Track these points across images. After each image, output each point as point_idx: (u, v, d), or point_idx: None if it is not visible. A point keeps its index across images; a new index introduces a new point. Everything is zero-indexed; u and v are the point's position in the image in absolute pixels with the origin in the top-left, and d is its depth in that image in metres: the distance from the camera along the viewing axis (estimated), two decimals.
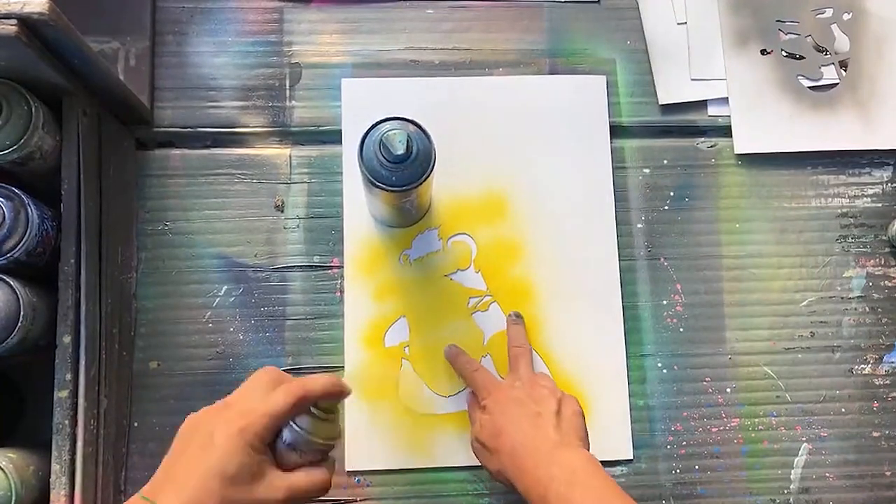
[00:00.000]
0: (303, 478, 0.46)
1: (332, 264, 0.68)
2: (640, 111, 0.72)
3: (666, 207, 0.70)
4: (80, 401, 0.56)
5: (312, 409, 0.47)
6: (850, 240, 0.71)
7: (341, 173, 0.69)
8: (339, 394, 0.48)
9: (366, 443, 0.64)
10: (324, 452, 0.48)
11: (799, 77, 0.72)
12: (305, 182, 0.69)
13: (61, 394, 0.55)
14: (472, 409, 0.63)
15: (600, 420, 0.65)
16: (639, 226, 0.70)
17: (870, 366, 0.69)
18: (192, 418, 0.47)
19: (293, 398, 0.45)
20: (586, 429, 0.56)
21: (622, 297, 0.68)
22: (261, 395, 0.46)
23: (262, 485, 0.44)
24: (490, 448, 0.56)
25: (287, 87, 0.70)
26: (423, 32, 0.72)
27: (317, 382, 0.46)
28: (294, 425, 0.46)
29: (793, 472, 0.67)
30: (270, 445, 0.46)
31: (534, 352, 0.66)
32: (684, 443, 0.67)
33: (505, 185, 0.69)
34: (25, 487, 0.53)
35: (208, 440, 0.44)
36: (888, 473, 0.67)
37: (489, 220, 0.69)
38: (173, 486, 0.43)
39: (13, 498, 0.52)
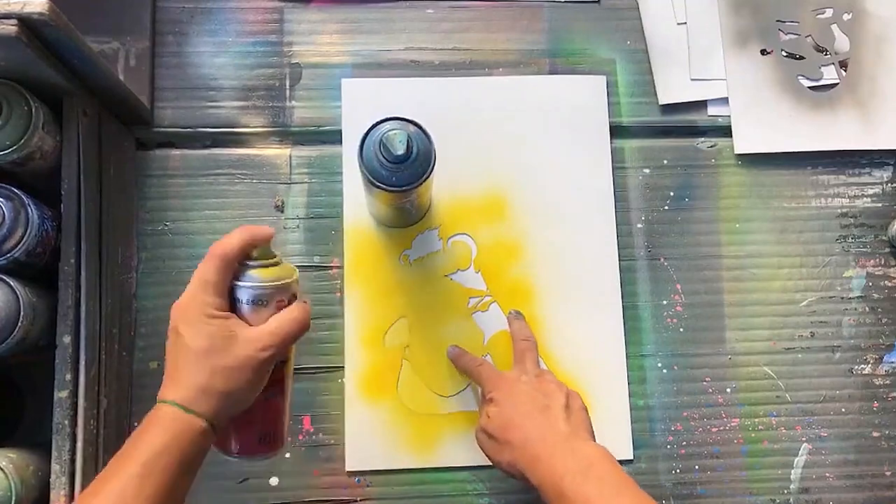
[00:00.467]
0: (275, 323, 0.48)
1: (332, 264, 0.68)
2: (640, 111, 0.72)
3: (666, 207, 0.70)
4: (80, 401, 0.56)
5: (249, 262, 0.48)
6: (850, 240, 0.71)
7: (341, 173, 0.69)
8: (261, 239, 0.49)
9: (366, 443, 0.64)
10: (287, 294, 0.49)
11: (799, 77, 0.72)
12: (305, 182, 0.69)
13: (61, 394, 0.55)
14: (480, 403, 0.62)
15: (600, 420, 0.65)
16: (639, 226, 0.70)
17: (870, 366, 0.69)
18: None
19: (214, 259, 0.47)
20: (591, 424, 0.56)
21: (622, 297, 0.68)
22: (196, 280, 0.48)
23: (236, 344, 0.46)
24: (500, 440, 0.55)
25: (287, 87, 0.70)
26: (423, 32, 0.72)
27: (230, 237, 0.48)
28: (241, 283, 0.48)
29: (793, 472, 0.67)
30: (235, 311, 0.48)
31: None
32: (684, 443, 0.67)
33: (505, 185, 0.69)
34: (25, 487, 0.53)
35: (176, 334, 0.47)
36: (888, 473, 0.67)
37: (489, 220, 0.69)
38: (170, 382, 0.47)
39: (13, 498, 0.52)
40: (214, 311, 0.47)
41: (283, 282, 0.49)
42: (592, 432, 0.55)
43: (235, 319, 0.47)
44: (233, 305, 0.48)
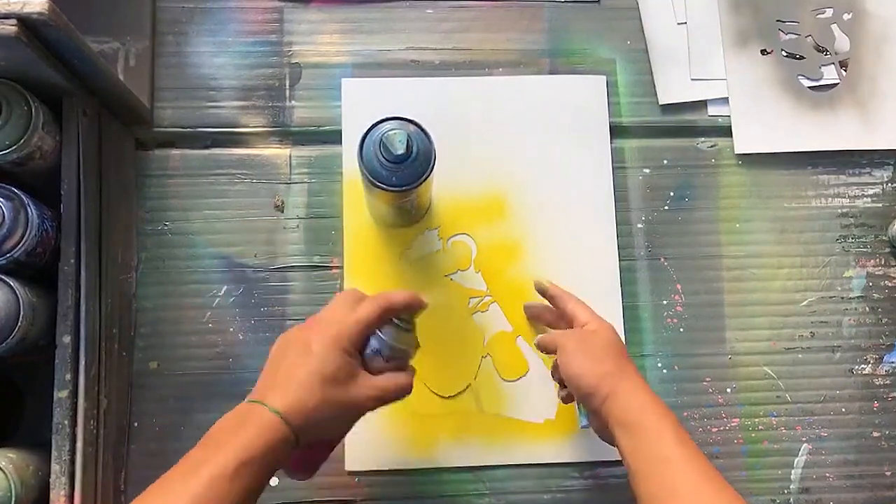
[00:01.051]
0: (389, 379, 0.51)
1: (332, 264, 0.68)
2: (640, 111, 0.72)
3: (666, 207, 0.70)
4: (80, 401, 0.56)
5: (394, 319, 0.52)
6: (850, 240, 0.71)
7: (341, 173, 0.69)
8: (418, 306, 0.53)
9: (366, 443, 0.64)
10: (405, 360, 0.53)
11: (799, 77, 0.72)
12: (305, 182, 0.69)
13: (61, 394, 0.55)
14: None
15: None
16: (639, 226, 0.70)
17: (870, 366, 0.69)
18: (285, 335, 0.51)
19: (379, 308, 0.50)
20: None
21: (622, 297, 0.68)
22: (349, 308, 0.51)
23: (355, 385, 0.49)
24: (601, 356, 0.55)
25: (287, 87, 0.70)
26: (423, 32, 0.72)
27: (399, 295, 0.52)
28: (380, 334, 0.51)
29: (793, 472, 0.67)
30: (360, 353, 0.51)
31: (533, 351, 0.66)
32: None
33: (505, 185, 0.69)
34: (25, 488, 0.53)
35: (305, 348, 0.48)
36: (888, 473, 0.67)
37: (489, 220, 0.69)
38: (278, 389, 0.47)
39: (13, 498, 0.52)
40: (352, 349, 0.49)
41: (410, 350, 0.53)
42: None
43: (360, 363, 0.50)
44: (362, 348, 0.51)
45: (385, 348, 0.51)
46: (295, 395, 0.47)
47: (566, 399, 0.63)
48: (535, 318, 0.66)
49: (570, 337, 0.57)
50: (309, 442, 0.48)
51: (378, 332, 0.51)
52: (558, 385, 0.64)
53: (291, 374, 0.48)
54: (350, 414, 0.50)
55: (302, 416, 0.46)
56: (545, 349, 0.60)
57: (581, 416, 0.60)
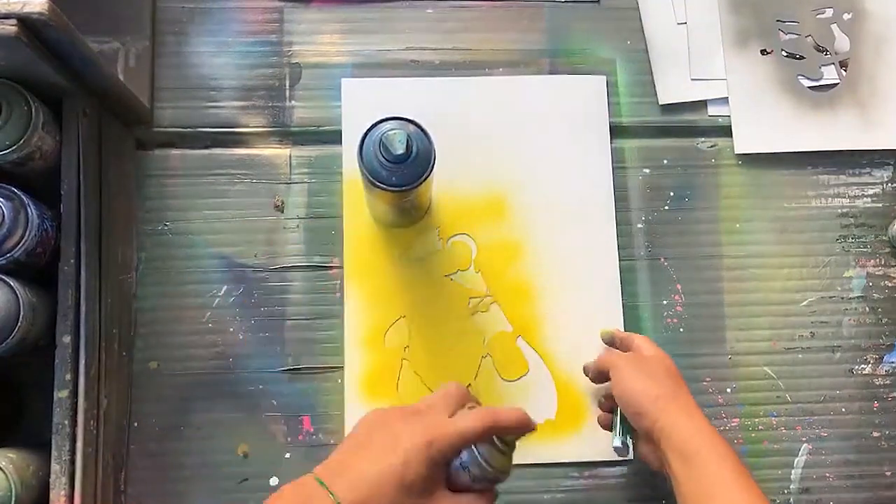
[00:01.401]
0: (469, 502, 0.46)
1: (332, 264, 0.68)
2: (640, 111, 0.72)
3: (666, 207, 0.70)
4: (80, 401, 0.56)
5: (495, 438, 0.46)
6: (850, 240, 0.71)
7: (341, 173, 0.69)
8: (527, 429, 0.48)
9: None
10: (492, 483, 0.48)
11: (799, 77, 0.72)
12: (305, 182, 0.69)
13: (61, 394, 0.55)
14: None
15: None
16: (639, 226, 0.70)
17: (870, 366, 0.69)
18: (377, 414, 0.47)
19: (484, 424, 0.45)
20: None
21: (622, 297, 0.68)
22: (447, 412, 0.46)
23: (431, 500, 0.44)
24: (657, 375, 0.56)
25: (287, 87, 0.70)
26: (423, 32, 0.72)
27: (510, 416, 0.46)
28: (475, 450, 0.46)
29: (793, 472, 0.67)
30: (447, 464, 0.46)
31: (533, 350, 0.66)
32: None
33: (505, 185, 0.69)
34: (25, 487, 0.53)
35: (393, 442, 0.44)
36: (888, 473, 0.67)
37: (489, 220, 0.69)
38: (349, 478, 0.43)
39: (13, 498, 0.52)
40: (441, 460, 0.45)
41: (502, 475, 0.47)
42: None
43: (443, 475, 0.46)
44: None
45: (475, 467, 0.46)
46: (366, 493, 0.42)
47: (603, 421, 0.62)
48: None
49: (625, 357, 0.58)
50: None
51: (473, 447, 0.46)
52: (600, 407, 0.64)
53: (370, 465, 0.43)
54: None
55: None
56: (599, 368, 0.60)
57: (616, 437, 0.59)
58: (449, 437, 0.44)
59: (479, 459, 0.46)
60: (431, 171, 0.56)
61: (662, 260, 0.69)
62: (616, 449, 0.59)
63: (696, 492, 0.49)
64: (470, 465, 0.46)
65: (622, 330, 0.67)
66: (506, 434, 0.47)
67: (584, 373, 0.64)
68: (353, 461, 0.44)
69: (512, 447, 0.48)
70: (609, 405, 0.62)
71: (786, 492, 0.66)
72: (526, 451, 0.65)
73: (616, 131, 0.71)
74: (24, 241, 0.54)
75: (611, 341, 0.65)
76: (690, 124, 0.72)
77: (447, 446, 0.44)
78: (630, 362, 0.57)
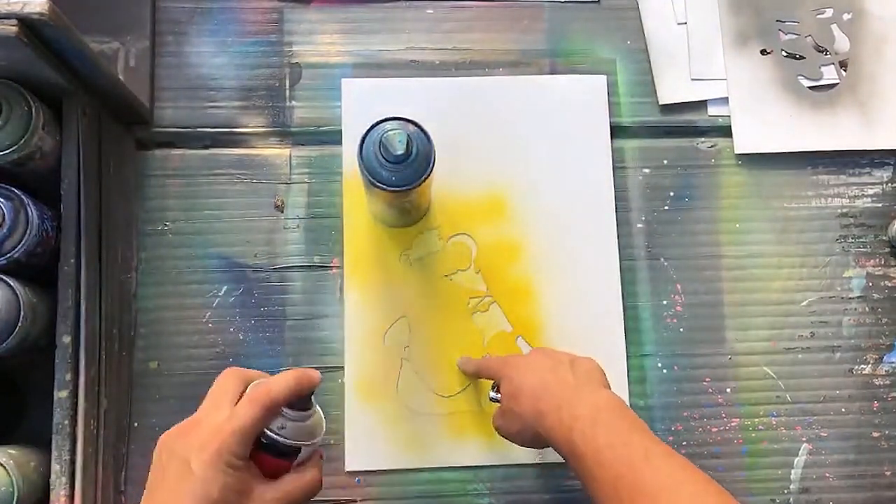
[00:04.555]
0: (293, 483, 0.45)
1: (332, 264, 0.68)
2: (640, 111, 0.72)
3: (666, 207, 0.70)
4: (80, 401, 0.56)
5: (285, 410, 0.44)
6: (850, 240, 0.71)
7: (341, 173, 0.69)
8: (308, 386, 0.45)
9: (366, 443, 0.64)
10: (308, 450, 0.47)
11: (799, 77, 0.72)
12: (305, 182, 0.69)
13: (61, 394, 0.55)
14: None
15: None
16: (639, 226, 0.70)
17: (870, 366, 0.69)
18: (163, 441, 0.44)
19: (259, 408, 0.43)
20: (606, 378, 0.53)
21: (622, 297, 0.68)
22: (227, 409, 0.44)
23: (252, 499, 0.43)
24: (513, 411, 0.53)
25: (287, 87, 0.70)
26: (423, 32, 0.72)
27: (280, 384, 0.44)
28: (270, 432, 0.44)
29: (793, 472, 0.67)
30: (253, 455, 0.44)
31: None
32: (684, 443, 0.67)
33: (505, 185, 0.69)
34: (27, 483, 0.53)
35: (185, 468, 0.42)
36: (888, 473, 0.67)
37: (489, 220, 0.69)
38: None
39: (15, 493, 0.52)
40: (236, 461, 0.42)
41: (313, 440, 0.46)
42: (607, 384, 0.53)
43: (252, 470, 0.43)
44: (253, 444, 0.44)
45: (279, 448, 0.44)
46: None
47: (468, 366, 0.64)
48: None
49: (496, 415, 0.58)
50: None
51: (267, 430, 0.44)
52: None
53: (170, 499, 0.41)
54: None
55: None
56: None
57: (492, 392, 0.60)
58: (230, 438, 0.42)
59: (278, 438, 0.44)
60: (431, 171, 0.56)
61: (662, 260, 0.69)
62: (493, 399, 0.59)
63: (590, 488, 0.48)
64: (273, 447, 0.44)
65: (622, 332, 0.67)
66: (290, 401, 0.44)
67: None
68: (161, 490, 0.42)
69: (307, 408, 0.45)
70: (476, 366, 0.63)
71: (786, 492, 0.66)
72: (526, 452, 0.65)
73: (616, 131, 0.71)
74: (24, 241, 0.54)
75: (465, 373, 0.65)
76: (690, 124, 0.72)
77: (234, 447, 0.42)
78: (498, 417, 0.58)
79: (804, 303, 0.70)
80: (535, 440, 0.53)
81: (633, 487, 0.44)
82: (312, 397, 0.46)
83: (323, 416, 0.48)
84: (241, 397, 0.45)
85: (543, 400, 0.51)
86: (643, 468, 0.44)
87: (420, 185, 0.56)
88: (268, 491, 0.43)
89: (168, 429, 0.64)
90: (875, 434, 0.68)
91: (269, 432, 0.44)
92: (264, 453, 0.44)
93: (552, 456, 0.64)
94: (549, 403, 0.51)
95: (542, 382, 0.52)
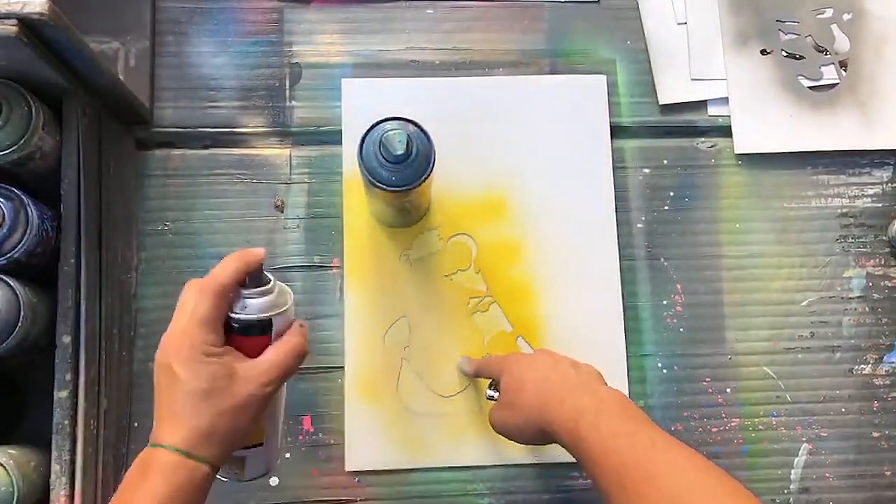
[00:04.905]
0: (274, 353, 0.46)
1: (332, 264, 0.68)
2: (640, 111, 0.72)
3: (666, 207, 0.70)
4: (80, 401, 0.56)
5: (243, 289, 0.45)
6: (850, 240, 0.71)
7: (341, 173, 0.69)
8: (254, 264, 0.46)
9: (366, 443, 0.64)
10: (284, 319, 0.47)
11: (799, 77, 0.72)
12: (305, 182, 0.69)
13: (61, 394, 0.55)
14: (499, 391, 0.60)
15: None
16: (639, 226, 0.70)
17: (870, 366, 0.69)
18: (154, 360, 0.46)
19: (210, 295, 0.44)
20: (605, 382, 0.54)
21: (622, 297, 0.68)
22: (189, 308, 0.45)
23: (238, 382, 0.44)
24: (513, 404, 0.54)
25: (287, 87, 0.70)
26: (423, 32, 0.72)
27: (224, 268, 0.45)
28: (236, 315, 0.45)
29: (793, 472, 0.67)
30: (230, 342, 0.45)
31: (533, 350, 0.66)
32: (684, 442, 0.66)
33: (505, 185, 0.69)
34: (27, 483, 0.53)
35: (170, 373, 0.44)
36: (888, 473, 0.67)
37: (489, 220, 0.69)
38: (166, 426, 0.44)
39: (15, 493, 0.52)
40: (212, 349, 0.44)
41: (279, 310, 0.46)
42: (605, 383, 0.54)
43: (233, 354, 0.45)
44: (227, 333, 0.45)
45: (247, 324, 0.45)
46: (185, 424, 0.43)
47: (467, 366, 0.64)
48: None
49: (494, 407, 0.58)
50: (230, 457, 0.45)
51: (231, 314, 0.45)
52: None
53: (172, 406, 0.44)
54: (252, 411, 0.45)
55: (203, 441, 0.43)
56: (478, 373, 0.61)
57: (490, 389, 0.60)
58: (196, 331, 0.44)
59: (245, 318, 0.45)
60: (431, 171, 0.56)
61: (662, 260, 0.69)
62: (489, 397, 0.60)
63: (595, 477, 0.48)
64: (245, 329, 0.45)
65: (622, 332, 0.67)
66: (240, 280, 0.45)
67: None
68: (161, 412, 0.44)
69: (264, 283, 0.46)
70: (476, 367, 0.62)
71: (786, 492, 0.66)
72: (526, 451, 0.65)
73: (616, 131, 0.71)
74: (24, 241, 0.54)
75: (464, 373, 0.65)
76: (690, 124, 0.72)
77: (204, 335, 0.44)
78: (495, 410, 0.57)
79: (804, 303, 0.70)
80: (536, 435, 0.53)
81: (638, 474, 0.45)
82: (265, 272, 0.47)
83: (287, 288, 0.48)
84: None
85: (547, 392, 0.52)
86: (649, 455, 0.45)
87: (420, 185, 0.56)
88: (251, 368, 0.45)
89: None
90: (875, 434, 0.68)
91: (232, 315, 0.45)
92: (238, 335, 0.46)
93: (551, 456, 0.65)
94: (552, 396, 0.51)
95: (545, 377, 0.53)
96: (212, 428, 0.43)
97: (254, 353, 0.46)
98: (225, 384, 0.44)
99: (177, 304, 0.46)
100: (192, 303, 0.45)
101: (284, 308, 0.47)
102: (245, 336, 0.46)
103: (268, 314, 0.46)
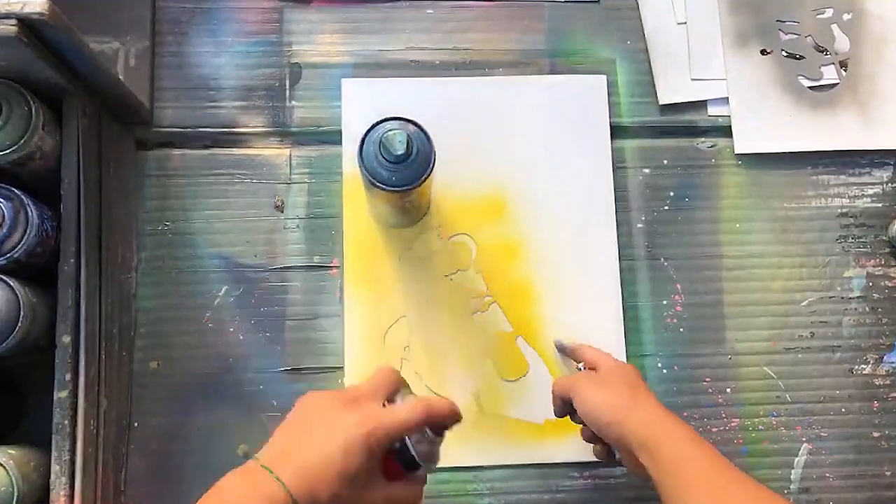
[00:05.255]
0: (402, 490, 0.47)
1: (332, 264, 0.68)
2: (640, 111, 0.72)
3: (666, 207, 0.70)
4: (80, 401, 0.56)
5: (427, 429, 0.48)
6: (850, 240, 0.71)
7: (341, 173, 0.69)
8: (453, 420, 0.49)
9: None
10: (423, 473, 0.49)
11: (799, 77, 0.72)
12: (305, 182, 0.69)
13: (61, 394, 0.55)
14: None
15: None
16: (639, 226, 0.70)
17: (870, 366, 0.69)
18: (314, 399, 0.47)
19: (419, 416, 0.46)
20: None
21: (622, 297, 0.68)
22: (381, 399, 0.47)
23: (369, 490, 0.45)
24: (612, 384, 0.55)
25: (287, 87, 0.70)
26: (423, 32, 0.72)
27: (442, 406, 0.48)
28: (407, 441, 0.47)
29: (793, 472, 0.67)
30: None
31: (533, 350, 0.66)
32: None
33: (505, 185, 0.69)
34: (27, 483, 0.53)
35: (333, 431, 0.45)
36: (888, 473, 0.67)
37: (489, 220, 0.69)
38: (293, 465, 0.43)
39: (15, 493, 0.52)
40: (378, 452, 0.45)
41: (432, 464, 0.49)
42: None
43: (378, 465, 0.46)
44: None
45: (407, 457, 0.47)
46: (310, 480, 0.43)
47: (598, 453, 0.60)
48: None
49: (580, 377, 0.58)
50: None
51: (406, 442, 0.47)
52: (586, 440, 0.61)
53: (312, 455, 0.44)
54: None
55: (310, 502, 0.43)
56: (560, 395, 0.58)
57: (617, 452, 0.58)
58: (386, 428, 0.45)
59: (412, 450, 0.47)
60: (431, 171, 0.56)
61: (662, 260, 0.69)
62: (620, 460, 0.57)
63: (662, 475, 0.49)
64: (402, 455, 0.47)
65: (622, 332, 0.67)
66: (437, 424, 0.48)
67: (554, 413, 0.61)
68: (295, 448, 0.45)
69: (441, 437, 0.49)
70: (588, 434, 0.60)
71: (786, 492, 0.66)
72: (526, 451, 0.65)
73: (616, 131, 0.71)
74: (24, 241, 0.54)
75: (561, 349, 0.65)
76: (690, 124, 0.72)
77: (384, 437, 0.45)
78: (585, 380, 0.57)
79: (804, 303, 0.70)
80: (615, 420, 0.53)
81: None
82: (446, 433, 0.50)
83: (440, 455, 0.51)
84: (389, 398, 0.48)
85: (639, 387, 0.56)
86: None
87: (420, 185, 0.56)
88: (382, 487, 0.46)
89: (168, 428, 0.64)
90: (875, 434, 0.68)
91: (407, 440, 0.47)
92: (392, 457, 0.47)
93: (551, 456, 0.65)
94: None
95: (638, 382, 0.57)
96: (325, 501, 0.43)
97: (388, 475, 0.47)
98: (361, 484, 0.45)
99: (371, 379, 0.49)
100: (395, 389, 0.48)
101: (435, 463, 0.50)
102: (396, 460, 0.47)
103: (426, 463, 0.48)
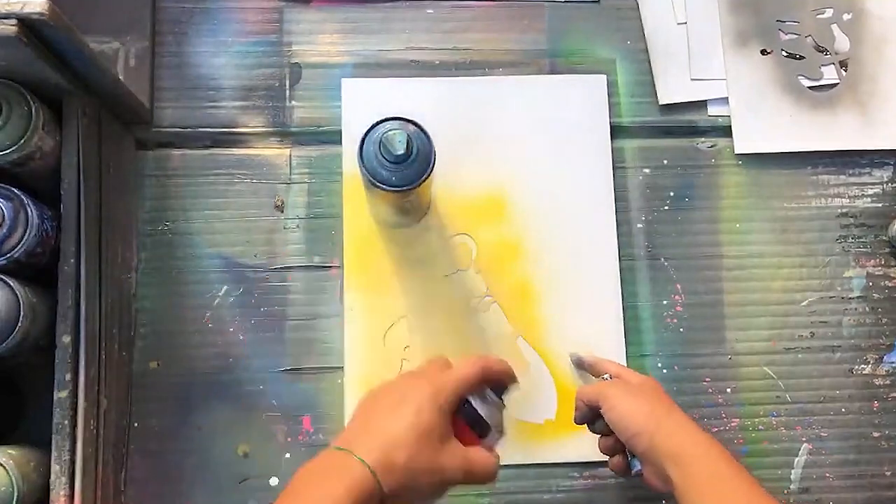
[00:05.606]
0: (479, 454, 0.48)
1: (332, 264, 0.68)
2: (640, 111, 0.72)
3: (666, 207, 0.70)
4: (80, 401, 0.56)
5: (488, 393, 0.50)
6: (850, 240, 0.71)
7: (341, 173, 0.69)
8: (512, 377, 0.52)
9: None
10: (492, 441, 0.51)
11: (799, 77, 0.72)
12: (305, 182, 0.69)
13: (61, 394, 0.55)
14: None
15: None
16: (639, 226, 0.70)
17: (870, 366, 0.69)
18: (373, 389, 0.49)
19: (476, 368, 0.49)
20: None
21: (622, 297, 0.68)
22: (441, 369, 0.49)
23: (445, 449, 0.46)
24: (643, 391, 0.55)
25: (287, 87, 0.70)
26: (423, 32, 0.72)
27: (494, 360, 0.51)
28: (472, 404, 0.49)
29: (793, 472, 0.67)
30: (453, 417, 0.48)
31: (533, 350, 0.66)
32: None
33: (505, 185, 0.69)
34: (27, 483, 0.53)
35: (400, 400, 0.46)
36: (888, 473, 0.67)
37: (489, 220, 0.69)
38: (367, 440, 0.44)
39: (14, 494, 0.52)
40: (448, 409, 0.47)
41: (499, 431, 0.51)
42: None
43: (451, 428, 0.48)
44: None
45: (476, 421, 0.49)
46: (387, 448, 0.43)
47: (615, 465, 0.59)
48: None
49: (613, 385, 0.57)
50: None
51: (470, 401, 0.49)
52: (598, 437, 0.60)
53: (384, 426, 0.45)
54: (436, 481, 0.46)
55: (391, 472, 0.43)
56: (588, 400, 0.57)
57: (633, 461, 0.57)
58: (449, 384, 0.47)
59: (479, 411, 0.49)
60: (431, 171, 0.56)
61: (662, 260, 0.69)
62: (638, 474, 0.56)
63: (691, 492, 0.49)
64: (471, 419, 0.49)
65: (622, 331, 0.67)
66: (496, 382, 0.51)
67: (574, 420, 0.60)
68: (367, 426, 0.46)
69: (502, 402, 0.52)
70: (607, 445, 0.58)
71: (786, 492, 0.66)
72: (526, 451, 0.65)
73: (616, 131, 0.71)
74: (24, 241, 0.54)
75: (579, 363, 0.65)
76: (690, 124, 0.72)
77: (451, 393, 0.47)
78: (615, 387, 0.56)
79: (804, 303, 0.70)
80: (646, 422, 0.52)
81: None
82: (505, 396, 0.53)
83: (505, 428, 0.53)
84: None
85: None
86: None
87: (420, 185, 0.56)
88: (459, 448, 0.47)
89: (168, 428, 0.64)
90: (875, 434, 0.68)
91: (471, 400, 0.49)
92: (462, 418, 0.49)
93: (551, 456, 0.65)
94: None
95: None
96: (405, 468, 0.44)
97: (461, 438, 0.49)
98: (437, 442, 0.46)
99: (420, 365, 0.52)
100: (446, 367, 0.50)
101: (501, 436, 0.52)
102: (466, 421, 0.49)
103: (494, 423, 0.50)
